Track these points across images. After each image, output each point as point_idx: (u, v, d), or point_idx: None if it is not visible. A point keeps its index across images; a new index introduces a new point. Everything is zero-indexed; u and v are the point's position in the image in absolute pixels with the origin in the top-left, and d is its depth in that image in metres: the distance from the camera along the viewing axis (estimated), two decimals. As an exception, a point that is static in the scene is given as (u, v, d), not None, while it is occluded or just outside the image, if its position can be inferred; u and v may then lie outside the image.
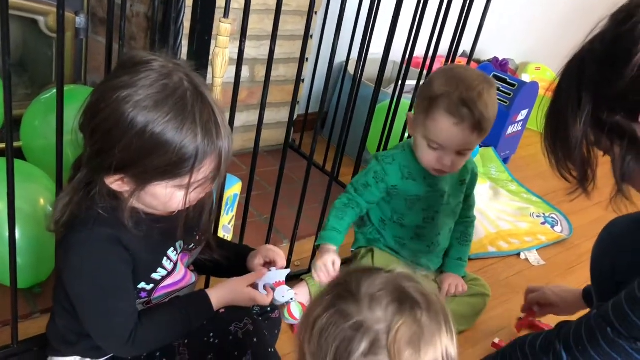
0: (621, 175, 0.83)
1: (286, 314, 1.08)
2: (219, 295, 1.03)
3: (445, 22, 1.60)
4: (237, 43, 1.14)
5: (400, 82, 1.79)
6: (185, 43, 1.17)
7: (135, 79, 0.82)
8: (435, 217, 1.47)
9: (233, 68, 1.17)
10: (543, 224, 2.20)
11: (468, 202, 1.56)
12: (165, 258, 0.99)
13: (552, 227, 2.19)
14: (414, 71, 1.87)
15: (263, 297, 1.05)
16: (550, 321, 1.56)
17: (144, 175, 0.86)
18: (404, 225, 1.48)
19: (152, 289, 0.99)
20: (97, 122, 0.84)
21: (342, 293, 0.69)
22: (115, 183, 0.87)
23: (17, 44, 1.85)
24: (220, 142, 0.86)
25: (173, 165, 0.84)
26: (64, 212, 0.91)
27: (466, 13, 1.60)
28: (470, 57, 1.74)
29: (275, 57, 1.21)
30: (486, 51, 3.09)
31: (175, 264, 1.02)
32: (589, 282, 1.29)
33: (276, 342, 1.19)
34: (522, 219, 2.21)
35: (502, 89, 2.55)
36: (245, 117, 2.11)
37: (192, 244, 1.06)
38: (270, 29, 1.19)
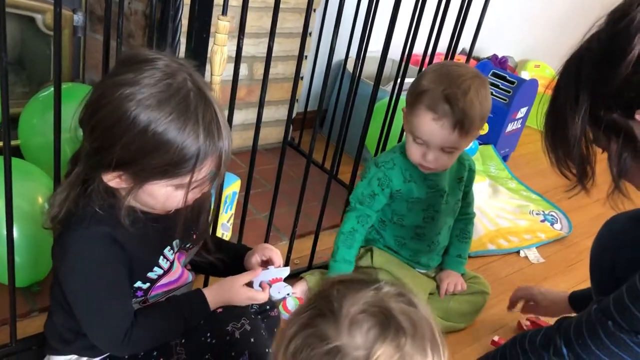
0: (618, 171, 0.84)
1: (282, 309, 1.08)
2: (215, 294, 1.03)
3: (444, 20, 1.60)
4: (236, 41, 1.13)
5: (399, 80, 1.78)
6: (183, 41, 1.17)
7: (139, 77, 0.82)
8: (435, 216, 1.46)
9: (231, 66, 1.17)
10: (542, 221, 2.20)
11: (467, 199, 1.56)
12: (161, 257, 0.99)
13: (552, 224, 2.19)
14: (412, 69, 1.86)
15: (259, 294, 1.04)
16: (551, 321, 1.56)
17: (143, 174, 0.85)
18: (403, 225, 1.47)
19: (149, 288, 0.99)
20: (98, 119, 0.83)
21: (322, 310, 0.64)
22: (113, 180, 0.87)
23: (15, 42, 1.84)
24: (221, 143, 0.86)
25: (173, 164, 0.84)
26: (61, 209, 0.91)
27: (465, 10, 1.60)
28: (469, 54, 1.74)
29: (273, 54, 1.20)
30: (485, 49, 3.09)
31: (172, 263, 1.01)
32: (589, 279, 1.29)
33: (275, 341, 1.18)
34: (521, 217, 2.21)
35: (501, 86, 2.54)
36: (244, 115, 2.11)
37: (189, 243, 1.06)
38: (268, 26, 1.18)
